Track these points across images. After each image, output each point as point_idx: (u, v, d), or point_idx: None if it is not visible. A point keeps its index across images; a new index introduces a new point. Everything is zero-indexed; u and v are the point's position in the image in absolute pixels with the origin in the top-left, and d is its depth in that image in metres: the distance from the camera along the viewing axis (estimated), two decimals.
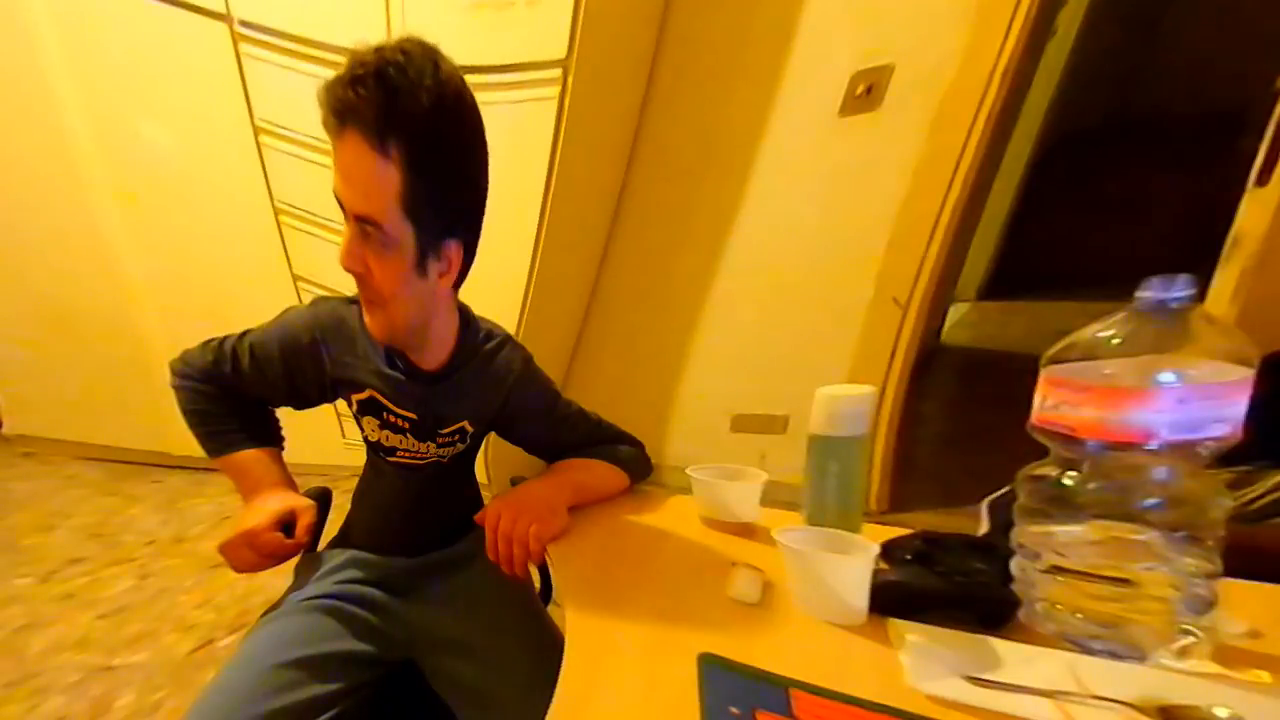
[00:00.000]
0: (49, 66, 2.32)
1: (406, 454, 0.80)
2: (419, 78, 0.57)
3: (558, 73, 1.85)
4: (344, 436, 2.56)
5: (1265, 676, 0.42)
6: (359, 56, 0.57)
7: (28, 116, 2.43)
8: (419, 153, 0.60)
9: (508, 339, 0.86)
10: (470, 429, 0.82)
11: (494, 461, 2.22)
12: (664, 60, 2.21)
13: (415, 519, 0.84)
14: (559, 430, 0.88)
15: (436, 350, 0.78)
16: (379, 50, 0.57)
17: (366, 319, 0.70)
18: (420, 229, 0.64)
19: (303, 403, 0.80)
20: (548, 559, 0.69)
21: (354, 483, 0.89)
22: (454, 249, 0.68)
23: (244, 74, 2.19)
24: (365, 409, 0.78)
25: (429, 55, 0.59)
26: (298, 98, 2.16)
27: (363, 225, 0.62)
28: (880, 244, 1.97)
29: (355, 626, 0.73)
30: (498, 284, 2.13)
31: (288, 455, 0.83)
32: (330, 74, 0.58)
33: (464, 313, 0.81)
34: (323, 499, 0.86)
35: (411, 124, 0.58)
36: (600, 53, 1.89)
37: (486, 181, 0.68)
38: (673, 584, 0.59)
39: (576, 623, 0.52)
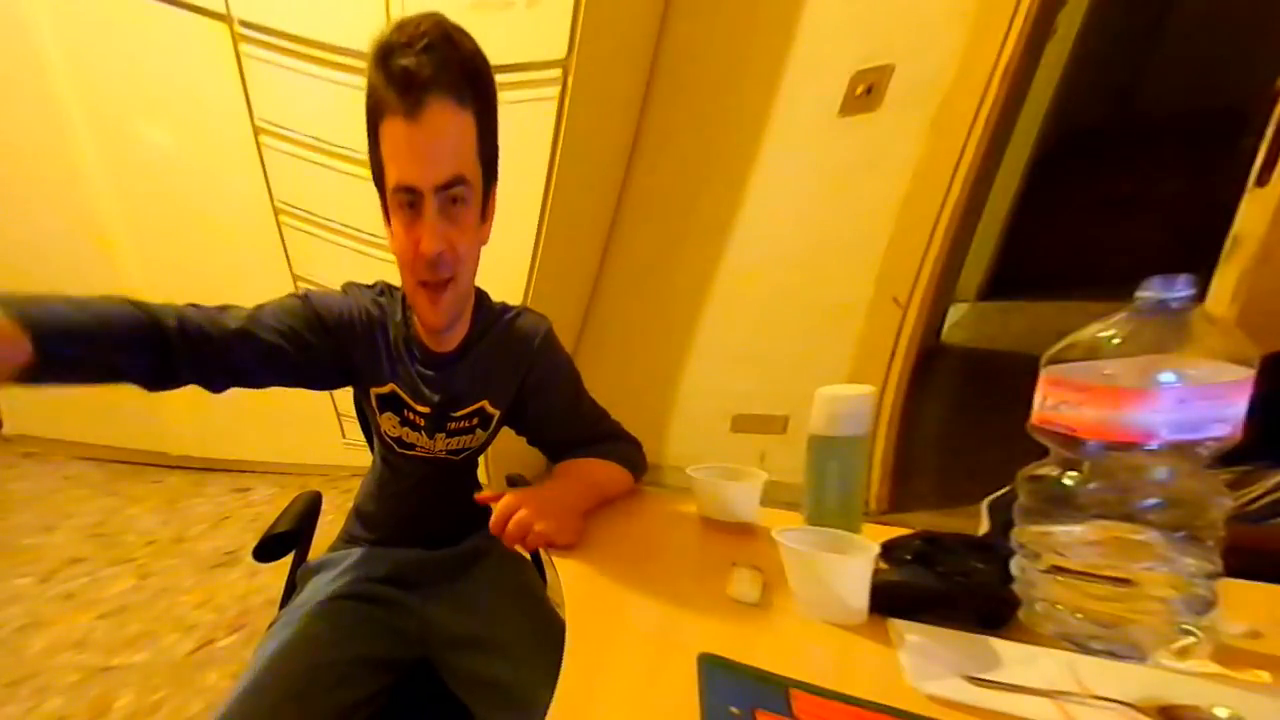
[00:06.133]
0: (49, 66, 2.32)
1: (424, 450, 0.81)
2: (459, 28, 0.62)
3: (558, 73, 1.85)
4: (344, 437, 2.55)
5: (1265, 676, 0.42)
6: (414, 29, 0.59)
7: (28, 117, 2.42)
8: (483, 94, 0.64)
9: (526, 308, 0.87)
10: (491, 410, 0.81)
11: (494, 461, 2.22)
12: (664, 60, 2.21)
13: (427, 515, 0.84)
14: (573, 416, 0.88)
15: (459, 327, 0.78)
16: (423, 18, 0.60)
17: (430, 308, 0.70)
18: (485, 171, 0.66)
19: (322, 376, 0.76)
20: (546, 555, 0.68)
21: (354, 483, 0.89)
22: (493, 190, 0.71)
23: (244, 74, 2.19)
24: (385, 405, 0.78)
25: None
26: (298, 98, 2.16)
27: (446, 193, 0.63)
28: (880, 244, 1.97)
29: (372, 626, 0.72)
30: (497, 284, 2.12)
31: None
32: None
33: (476, 287, 0.81)
34: (312, 505, 0.86)
35: (475, 69, 0.62)
36: (600, 53, 1.89)
37: None
38: (673, 584, 0.59)
39: (576, 623, 0.52)
